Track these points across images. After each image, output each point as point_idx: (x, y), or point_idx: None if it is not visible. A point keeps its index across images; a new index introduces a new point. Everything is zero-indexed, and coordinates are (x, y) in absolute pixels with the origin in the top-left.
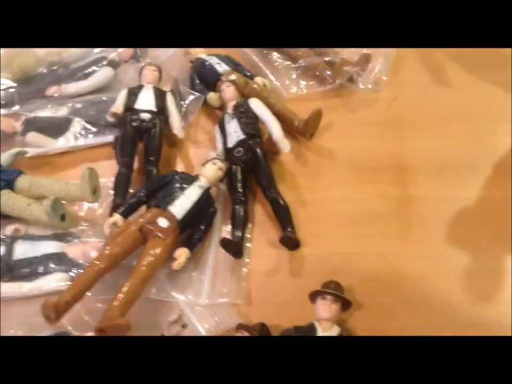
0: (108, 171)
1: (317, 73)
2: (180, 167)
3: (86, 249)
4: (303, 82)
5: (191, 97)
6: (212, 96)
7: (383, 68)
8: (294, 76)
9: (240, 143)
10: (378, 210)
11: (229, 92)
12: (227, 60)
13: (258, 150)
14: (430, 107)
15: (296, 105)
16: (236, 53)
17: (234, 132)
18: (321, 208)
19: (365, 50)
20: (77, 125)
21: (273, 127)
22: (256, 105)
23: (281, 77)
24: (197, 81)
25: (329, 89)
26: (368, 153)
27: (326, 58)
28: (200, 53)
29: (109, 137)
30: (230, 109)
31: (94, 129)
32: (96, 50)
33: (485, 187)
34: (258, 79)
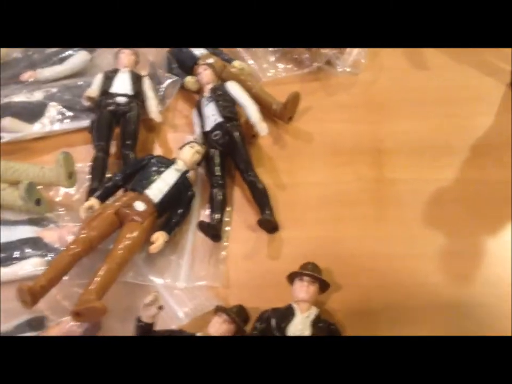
0: (84, 156)
1: (295, 56)
2: (157, 151)
3: (62, 233)
4: (281, 66)
5: (168, 80)
6: (189, 79)
7: (362, 50)
8: (272, 59)
9: (217, 126)
10: (356, 193)
11: (205, 75)
12: None
13: (236, 133)
14: (408, 90)
15: (274, 88)
16: None
17: (212, 115)
18: (300, 192)
19: None
20: (53, 109)
21: (251, 110)
22: (233, 88)
23: (259, 60)
24: (174, 65)
25: (307, 72)
26: (346, 136)
27: None
28: None
29: (85, 122)
30: (207, 92)
31: (70, 114)
32: None
33: (461, 168)
34: (236, 63)
